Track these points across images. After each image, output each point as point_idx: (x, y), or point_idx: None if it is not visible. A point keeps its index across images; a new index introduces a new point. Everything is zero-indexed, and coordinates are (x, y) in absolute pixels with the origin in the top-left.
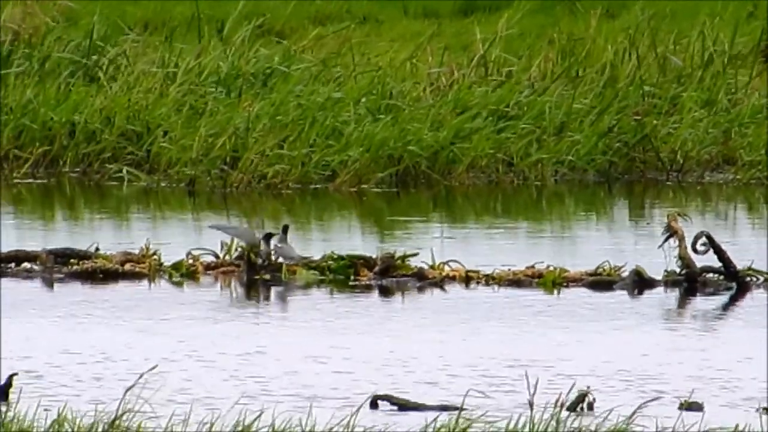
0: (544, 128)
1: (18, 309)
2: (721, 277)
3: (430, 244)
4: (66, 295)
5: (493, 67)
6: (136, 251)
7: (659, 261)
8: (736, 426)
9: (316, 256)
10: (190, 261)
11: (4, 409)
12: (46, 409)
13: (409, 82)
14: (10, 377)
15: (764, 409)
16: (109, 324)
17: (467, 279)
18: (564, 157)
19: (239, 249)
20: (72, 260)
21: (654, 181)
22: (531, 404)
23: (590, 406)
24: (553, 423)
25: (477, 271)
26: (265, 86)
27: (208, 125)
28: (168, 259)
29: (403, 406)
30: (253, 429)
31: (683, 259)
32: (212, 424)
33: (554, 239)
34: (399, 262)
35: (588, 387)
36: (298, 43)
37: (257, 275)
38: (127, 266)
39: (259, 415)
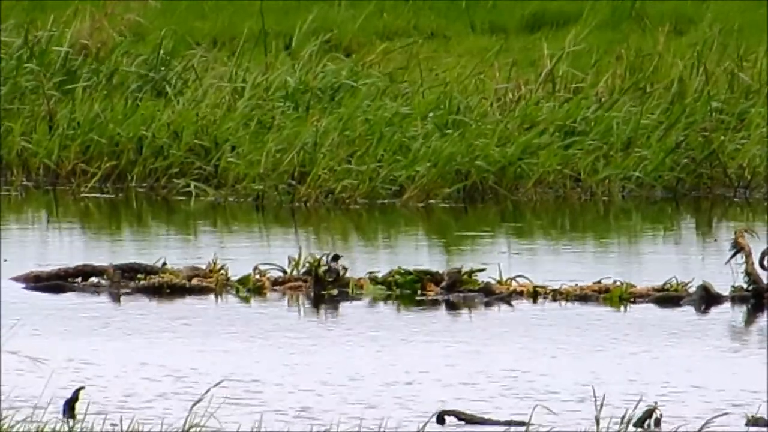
0: (611, 144)
1: (85, 324)
2: None
3: (497, 259)
4: (133, 310)
5: (560, 82)
6: (204, 266)
7: (727, 277)
8: None
9: (383, 272)
10: (257, 276)
11: (71, 423)
12: (112, 424)
13: (476, 98)
14: (77, 391)
15: None
16: (176, 339)
17: (534, 294)
18: (631, 173)
19: (306, 264)
20: (139, 275)
21: (721, 197)
22: (598, 420)
23: (657, 422)
24: None
25: (544, 287)
26: (332, 101)
27: (275, 140)
28: (235, 275)
29: (470, 421)
30: None
31: (750, 274)
32: None
33: (621, 255)
34: (466, 277)
35: (655, 403)
36: (365, 58)
37: (324, 290)
38: (194, 281)
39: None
